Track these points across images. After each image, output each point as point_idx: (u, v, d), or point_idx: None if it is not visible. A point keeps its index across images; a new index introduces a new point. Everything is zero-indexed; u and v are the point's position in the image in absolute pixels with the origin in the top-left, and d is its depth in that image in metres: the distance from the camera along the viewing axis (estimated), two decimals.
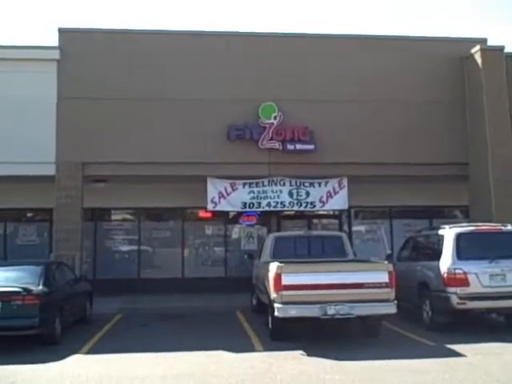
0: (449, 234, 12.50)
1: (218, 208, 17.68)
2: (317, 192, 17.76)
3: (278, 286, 10.83)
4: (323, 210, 19.39)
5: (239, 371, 9.06)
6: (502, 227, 12.86)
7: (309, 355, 10.04)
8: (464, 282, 11.69)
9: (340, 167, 17.40)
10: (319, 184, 17.76)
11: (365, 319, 11.34)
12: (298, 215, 20.25)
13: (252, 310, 15.24)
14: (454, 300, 11.68)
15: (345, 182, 17.72)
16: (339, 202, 17.86)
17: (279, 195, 17.62)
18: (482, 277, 11.70)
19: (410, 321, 12.94)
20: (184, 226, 20.34)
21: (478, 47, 17.32)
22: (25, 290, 10.98)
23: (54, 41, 17.14)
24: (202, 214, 20.05)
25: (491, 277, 11.73)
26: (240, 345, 10.98)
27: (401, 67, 17.78)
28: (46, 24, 59.33)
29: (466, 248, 12.09)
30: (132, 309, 16.17)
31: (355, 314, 10.80)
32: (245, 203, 17.61)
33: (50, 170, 16.47)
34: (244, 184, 17.54)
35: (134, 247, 20.22)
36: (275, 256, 13.47)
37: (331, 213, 20.72)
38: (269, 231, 19.00)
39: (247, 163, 17.05)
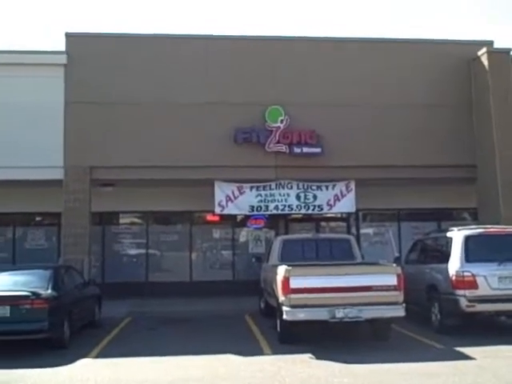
0: (457, 236, 12.46)
1: (226, 211, 17.69)
2: (324, 195, 17.75)
3: (287, 290, 10.83)
4: (331, 213, 19.38)
5: (248, 374, 9.06)
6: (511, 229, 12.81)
7: (317, 358, 10.03)
8: (473, 285, 11.65)
9: (347, 170, 17.38)
10: (326, 187, 17.74)
11: (373, 322, 11.33)
12: (306, 218, 20.22)
13: (260, 313, 15.24)
14: (463, 303, 11.64)
15: (352, 185, 17.70)
16: (347, 205, 17.85)
17: (287, 198, 17.61)
18: (490, 279, 11.66)
19: (418, 323, 12.91)
20: (192, 230, 20.36)
21: (484, 49, 17.27)
22: (34, 294, 11.02)
23: (60, 46, 17.22)
24: (209, 217, 20.08)
25: (500, 279, 11.68)
26: (248, 348, 10.99)
27: (407, 70, 17.75)
28: (53, 29, 59.61)
29: (475, 250, 12.05)
30: (140, 312, 16.19)
31: (364, 317, 10.80)
32: (252, 206, 17.62)
33: (58, 175, 16.53)
34: (251, 187, 17.55)
35: (142, 251, 20.25)
36: (283, 259, 13.47)
37: (339, 215, 20.69)
38: (276, 234, 19.00)
39: (254, 166, 17.05)
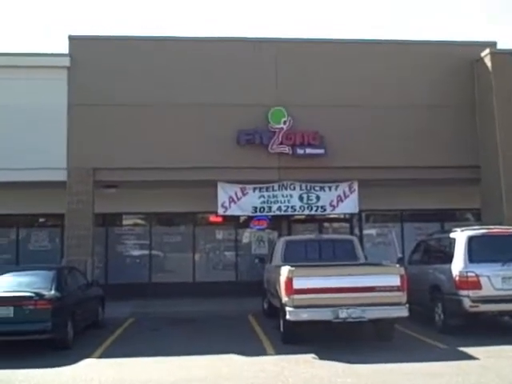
0: (460, 236, 12.45)
1: (229, 212, 17.71)
2: (327, 196, 17.75)
3: (290, 290, 10.84)
4: (334, 214, 19.39)
5: (251, 375, 9.06)
6: None
7: (321, 359, 10.03)
8: (476, 285, 11.65)
9: (350, 171, 17.39)
10: (329, 188, 17.74)
11: (377, 322, 11.33)
12: (309, 219, 20.22)
13: (263, 313, 15.24)
14: (467, 303, 11.64)
15: (355, 185, 17.70)
16: (350, 205, 17.85)
17: (289, 199, 17.62)
18: (494, 279, 11.66)
19: (421, 324, 12.91)
20: (195, 231, 20.37)
21: (487, 50, 17.27)
22: (37, 294, 11.05)
23: (60, 48, 17.28)
24: (212, 218, 20.08)
25: (503, 279, 11.68)
26: (252, 348, 11.00)
27: (411, 71, 17.76)
28: (52, 31, 59.75)
29: (478, 251, 12.04)
30: (143, 313, 16.21)
31: (367, 318, 10.80)
32: (255, 207, 17.63)
33: (62, 176, 16.58)
34: (254, 188, 17.56)
35: (145, 252, 20.28)
36: (286, 260, 13.47)
37: (342, 216, 20.67)
38: (279, 235, 19.01)
39: (257, 168, 17.08)
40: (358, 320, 10.78)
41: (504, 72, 16.97)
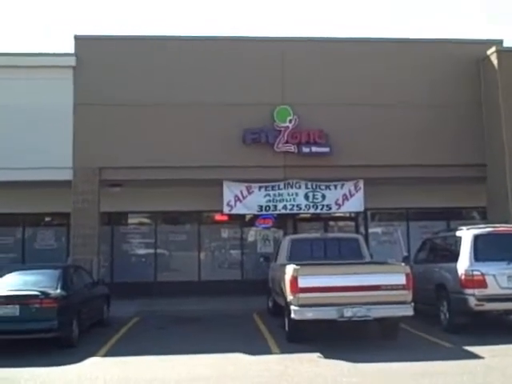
0: (466, 235, 12.42)
1: (234, 211, 17.72)
2: (333, 195, 17.74)
3: (295, 289, 10.83)
4: (339, 213, 19.37)
5: (255, 373, 9.07)
6: None
7: (325, 357, 10.01)
8: (482, 284, 11.61)
9: (356, 170, 17.37)
10: (335, 187, 17.73)
11: (382, 321, 11.31)
12: (315, 217, 20.21)
13: (268, 312, 15.25)
14: (472, 301, 11.60)
15: (361, 184, 17.69)
16: (355, 204, 17.83)
17: (295, 198, 17.61)
18: (499, 278, 11.62)
19: (427, 323, 12.87)
20: (200, 230, 20.39)
21: (493, 49, 17.21)
22: (43, 293, 11.10)
23: (60, 47, 17.34)
24: (218, 217, 20.12)
25: (509, 278, 11.63)
26: (256, 347, 11.00)
27: (417, 69, 17.72)
28: (53, 30, 59.88)
29: (484, 249, 12.00)
30: (149, 312, 16.24)
31: (372, 316, 10.78)
32: (261, 206, 17.63)
33: (67, 176, 16.63)
34: (260, 187, 17.56)
35: (151, 251, 20.31)
36: (291, 258, 13.45)
37: (348, 215, 20.67)
38: (285, 234, 18.99)
39: (263, 166, 17.09)
40: (363, 319, 10.77)
41: (510, 70, 16.89)
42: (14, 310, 10.84)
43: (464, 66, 17.87)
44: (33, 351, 10.98)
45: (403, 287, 10.83)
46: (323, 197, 17.70)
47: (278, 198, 17.60)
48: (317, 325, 11.32)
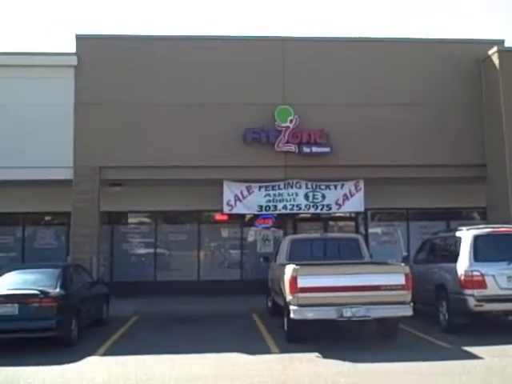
0: (466, 235, 12.41)
1: (234, 211, 17.72)
2: (333, 195, 17.74)
3: (294, 289, 10.82)
4: (339, 213, 19.37)
5: (255, 373, 9.05)
6: None
7: (325, 357, 10.01)
8: (481, 284, 11.61)
9: (356, 170, 17.36)
10: (335, 187, 17.73)
11: (381, 321, 11.31)
12: (314, 217, 20.19)
13: (268, 312, 15.25)
14: (471, 302, 11.60)
15: (361, 184, 17.69)
16: (355, 204, 17.83)
17: (295, 198, 17.61)
18: (499, 279, 11.61)
19: (426, 323, 12.87)
20: (200, 229, 20.38)
21: (495, 48, 17.18)
22: (42, 292, 11.11)
23: (60, 47, 17.36)
24: (218, 216, 20.11)
25: (509, 279, 11.62)
26: (256, 347, 10.99)
27: (417, 69, 17.70)
28: (56, 32, 59.88)
29: (484, 250, 11.99)
30: (148, 311, 16.24)
31: (372, 317, 10.78)
32: (261, 206, 17.64)
33: (68, 175, 16.63)
34: (260, 187, 17.56)
35: (151, 250, 20.31)
36: (291, 258, 13.45)
37: (348, 215, 20.66)
38: (285, 234, 18.98)
39: (263, 166, 17.08)
40: (362, 319, 10.78)
41: (511, 70, 16.87)
42: (13, 309, 10.86)
43: (465, 66, 17.85)
44: (32, 350, 10.98)
45: (403, 287, 10.83)
46: (323, 197, 17.70)
47: (278, 198, 17.60)
48: (316, 325, 11.31)
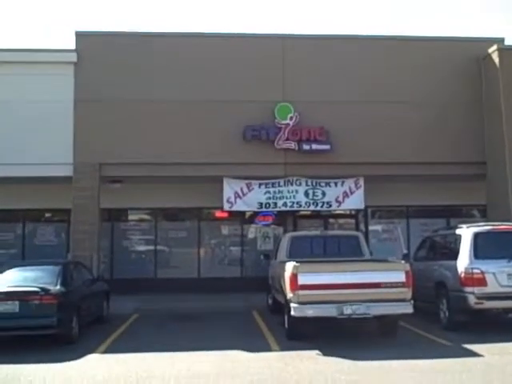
0: (466, 233, 12.42)
1: (234, 208, 17.73)
2: (333, 192, 17.73)
3: (295, 286, 10.83)
4: (339, 210, 19.37)
5: (255, 371, 9.06)
6: None
7: (325, 355, 10.02)
8: (481, 282, 11.61)
9: (356, 167, 17.36)
10: (335, 184, 17.73)
11: (381, 319, 11.31)
12: (315, 215, 20.22)
13: (268, 309, 15.26)
14: (472, 300, 11.61)
15: (361, 181, 17.68)
16: (355, 201, 17.83)
17: (295, 195, 17.61)
18: (499, 276, 11.62)
19: (426, 320, 12.89)
20: (200, 226, 20.38)
21: (495, 47, 17.16)
22: (43, 289, 11.10)
23: (60, 44, 17.33)
24: (218, 213, 20.10)
25: (509, 276, 11.63)
26: (256, 344, 11.00)
27: (417, 67, 17.68)
28: (56, 30, 59.77)
29: (484, 247, 12.00)
30: (148, 308, 16.24)
31: (372, 314, 10.79)
32: (261, 203, 17.63)
33: (68, 172, 16.62)
34: (260, 184, 17.56)
35: (151, 247, 20.31)
36: (291, 256, 13.46)
37: (348, 212, 20.67)
38: (285, 231, 18.98)
39: (263, 163, 17.08)
40: (362, 316, 10.78)
41: (511, 68, 16.86)
42: (13, 307, 10.84)
43: (465, 64, 17.84)
44: (32, 347, 10.98)
45: (403, 285, 10.84)
46: (323, 194, 17.70)
47: (278, 195, 17.60)
48: (316, 322, 11.32)
